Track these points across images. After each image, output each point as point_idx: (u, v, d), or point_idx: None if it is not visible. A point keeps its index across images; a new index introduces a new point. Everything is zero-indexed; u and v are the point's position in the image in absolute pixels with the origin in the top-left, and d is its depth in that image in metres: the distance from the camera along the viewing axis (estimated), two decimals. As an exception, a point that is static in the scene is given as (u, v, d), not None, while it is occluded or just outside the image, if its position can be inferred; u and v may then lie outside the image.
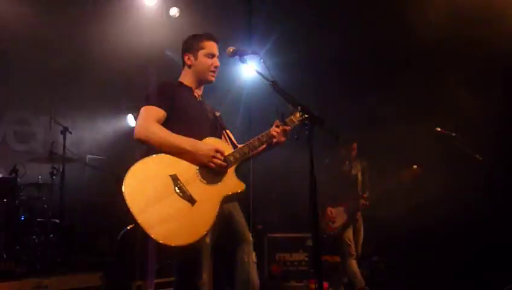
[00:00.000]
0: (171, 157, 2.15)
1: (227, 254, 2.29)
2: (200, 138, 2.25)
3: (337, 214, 4.78)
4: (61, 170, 5.06)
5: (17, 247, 4.56)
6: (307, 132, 1.76)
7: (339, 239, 4.82)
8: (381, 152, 5.30)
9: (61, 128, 5.18)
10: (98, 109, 6.74)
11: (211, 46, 2.42)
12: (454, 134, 4.09)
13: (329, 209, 4.76)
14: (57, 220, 5.11)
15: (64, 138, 5.12)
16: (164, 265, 4.80)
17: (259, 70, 2.17)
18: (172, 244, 1.94)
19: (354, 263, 4.82)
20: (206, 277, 2.13)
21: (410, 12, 4.91)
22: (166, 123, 2.26)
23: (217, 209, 2.10)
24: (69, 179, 5.25)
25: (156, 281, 4.72)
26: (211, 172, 2.17)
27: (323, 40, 5.46)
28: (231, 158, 2.25)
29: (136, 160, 2.11)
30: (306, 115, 1.75)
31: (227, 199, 2.18)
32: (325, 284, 5.53)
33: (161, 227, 1.95)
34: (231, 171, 2.25)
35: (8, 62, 5.66)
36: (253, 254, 2.28)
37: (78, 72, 6.14)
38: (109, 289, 4.57)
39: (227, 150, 2.29)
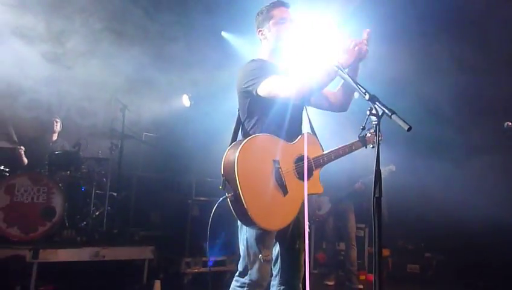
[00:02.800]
0: (276, 139, 2.22)
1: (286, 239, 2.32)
2: (290, 122, 2.26)
3: (322, 203, 5.27)
4: (119, 146, 5.26)
5: (78, 216, 4.85)
6: (374, 124, 1.65)
7: (344, 227, 5.18)
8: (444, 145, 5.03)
9: (120, 105, 5.36)
10: (155, 88, 6.92)
11: (281, 12, 2.35)
12: (525, 130, 3.83)
13: (314, 199, 5.26)
14: (114, 193, 5.36)
15: (123, 116, 5.30)
16: (213, 244, 4.91)
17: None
18: (261, 226, 2.06)
19: (354, 251, 5.15)
20: (271, 254, 2.23)
21: None
22: (259, 104, 2.23)
23: (300, 204, 2.20)
24: (126, 154, 5.45)
25: (203, 259, 4.85)
26: (303, 169, 2.23)
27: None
28: (321, 161, 2.34)
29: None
30: (375, 106, 1.64)
31: (308, 197, 2.24)
32: (370, 277, 5.44)
33: (258, 206, 2.05)
34: (316, 172, 2.34)
35: (74, 43, 5.90)
36: (304, 243, 2.30)
37: (138, 51, 6.31)
38: (160, 263, 4.76)
39: (318, 151, 2.37)
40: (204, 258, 4.83)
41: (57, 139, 5.55)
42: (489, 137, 4.57)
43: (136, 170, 6.25)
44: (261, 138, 2.21)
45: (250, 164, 2.10)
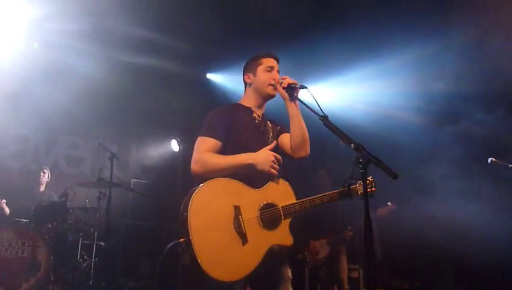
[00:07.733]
0: (239, 184, 2.13)
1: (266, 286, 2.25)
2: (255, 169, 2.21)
3: (319, 247, 5.02)
4: (107, 195, 5.17)
5: (64, 269, 4.69)
6: (361, 171, 1.68)
7: (335, 269, 5.06)
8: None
9: (109, 154, 5.33)
10: (143, 135, 6.95)
11: (269, 61, 2.44)
12: (511, 165, 3.95)
13: (311, 243, 4.98)
14: (102, 243, 5.22)
15: (112, 164, 5.24)
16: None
17: (309, 104, 2.13)
18: (212, 276, 1.91)
19: None
20: None
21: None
22: (222, 151, 2.26)
23: (262, 256, 2.06)
24: (114, 202, 5.36)
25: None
26: (270, 217, 2.13)
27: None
28: (292, 209, 2.19)
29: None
30: (361, 154, 1.68)
31: (274, 248, 2.13)
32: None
33: (209, 255, 1.92)
34: (286, 222, 2.18)
35: (59, 89, 5.93)
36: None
37: (124, 100, 6.40)
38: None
39: (290, 199, 2.23)
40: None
41: (44, 190, 5.46)
42: (480, 177, 4.66)
43: (124, 217, 6.14)
44: (222, 182, 2.12)
45: (207, 208, 2.00)
